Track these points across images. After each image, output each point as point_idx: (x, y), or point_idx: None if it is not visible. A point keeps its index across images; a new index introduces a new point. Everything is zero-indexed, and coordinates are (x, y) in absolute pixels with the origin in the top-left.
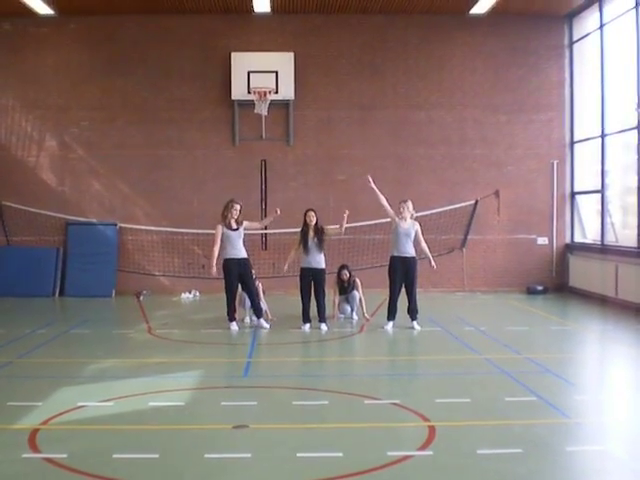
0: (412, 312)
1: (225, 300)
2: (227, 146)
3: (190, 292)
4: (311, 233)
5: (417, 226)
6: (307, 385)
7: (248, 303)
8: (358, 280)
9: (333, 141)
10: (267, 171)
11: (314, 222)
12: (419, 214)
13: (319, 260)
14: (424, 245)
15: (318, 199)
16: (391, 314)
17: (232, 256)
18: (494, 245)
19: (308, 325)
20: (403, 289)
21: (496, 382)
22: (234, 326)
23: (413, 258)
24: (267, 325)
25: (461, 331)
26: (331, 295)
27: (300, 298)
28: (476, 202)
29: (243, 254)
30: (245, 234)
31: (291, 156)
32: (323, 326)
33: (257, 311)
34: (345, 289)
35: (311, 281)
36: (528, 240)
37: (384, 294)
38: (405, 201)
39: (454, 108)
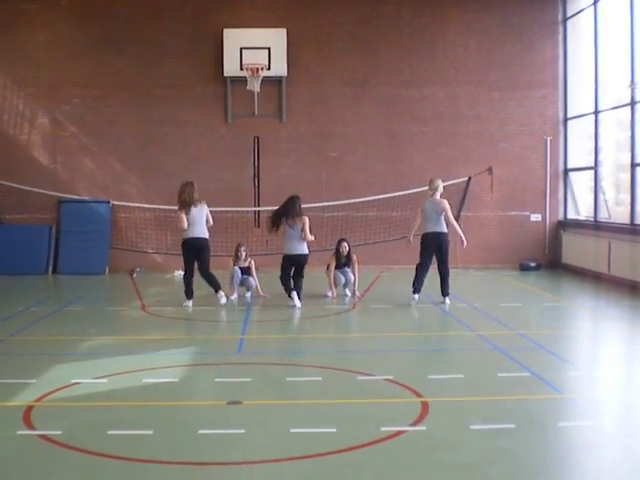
0: (445, 288)
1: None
2: (220, 123)
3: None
4: (296, 220)
5: (444, 203)
6: (300, 361)
7: (237, 280)
8: (355, 257)
9: (326, 118)
10: (260, 148)
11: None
12: (411, 191)
13: (301, 247)
14: (454, 222)
15: (311, 176)
16: (418, 288)
17: (190, 236)
18: (487, 222)
19: (295, 292)
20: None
21: (489, 358)
22: (189, 304)
23: (445, 234)
24: (224, 299)
25: (454, 307)
26: (330, 267)
27: (281, 280)
28: (469, 179)
29: (203, 234)
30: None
31: (284, 133)
32: (295, 296)
33: (212, 286)
34: (342, 264)
35: (293, 265)
36: (521, 217)
37: (376, 271)
38: (432, 180)
39: (447, 85)
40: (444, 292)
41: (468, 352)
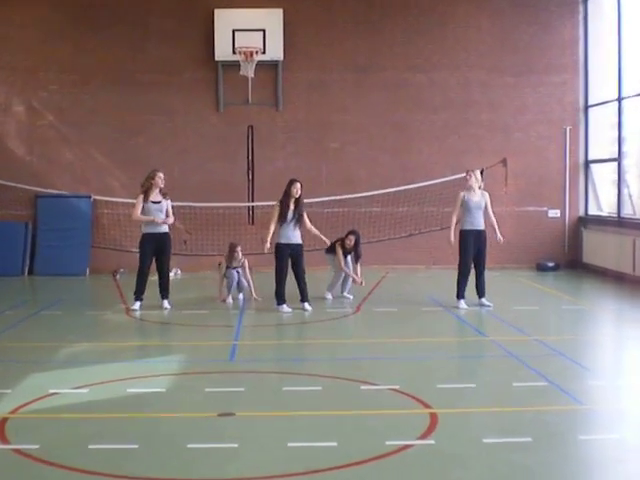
0: (481, 288)
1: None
2: (210, 111)
3: (171, 270)
4: (292, 206)
5: (487, 197)
6: (298, 369)
7: (234, 283)
8: (360, 252)
9: (326, 106)
10: (254, 138)
11: (298, 195)
12: (418, 185)
13: (298, 235)
14: (492, 217)
15: (309, 169)
16: (463, 290)
17: (149, 231)
18: (502, 218)
19: (285, 305)
20: None
21: (504, 366)
22: (137, 306)
23: (485, 231)
24: (169, 306)
25: (465, 311)
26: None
27: (275, 277)
28: (482, 172)
29: (163, 229)
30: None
31: (280, 122)
32: (307, 305)
33: (163, 291)
34: (345, 256)
35: (289, 257)
36: (538, 213)
37: (381, 271)
38: (472, 171)
39: (458, 69)
40: (482, 292)
41: (481, 359)
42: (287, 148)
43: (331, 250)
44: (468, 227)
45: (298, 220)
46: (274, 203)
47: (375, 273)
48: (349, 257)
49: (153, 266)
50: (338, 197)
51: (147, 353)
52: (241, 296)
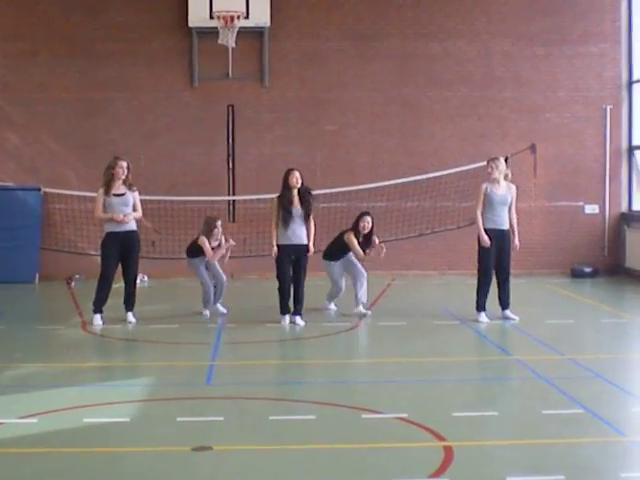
0: (504, 298)
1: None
2: (183, 87)
3: (137, 276)
4: (294, 200)
5: (514, 191)
6: (288, 395)
7: (211, 291)
8: (378, 242)
9: (321, 81)
10: (235, 120)
11: (299, 185)
12: (431, 175)
13: (301, 235)
14: (514, 216)
15: (301, 156)
16: (483, 302)
17: (113, 229)
18: (529, 215)
19: (287, 317)
20: None
21: (531, 390)
22: (98, 320)
23: (509, 231)
24: (134, 320)
25: (487, 325)
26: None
27: (278, 283)
28: (506, 159)
29: (129, 226)
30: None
31: (266, 100)
32: (299, 320)
33: (128, 302)
34: (361, 247)
35: (292, 261)
36: (573, 208)
37: (386, 278)
38: (495, 159)
39: (477, 38)
40: (506, 303)
41: (504, 382)
42: (275, 131)
43: (336, 251)
44: (489, 226)
45: (304, 216)
46: (273, 197)
47: (379, 280)
48: (360, 270)
49: (117, 272)
50: (335, 190)
51: (109, 375)
52: (220, 305)
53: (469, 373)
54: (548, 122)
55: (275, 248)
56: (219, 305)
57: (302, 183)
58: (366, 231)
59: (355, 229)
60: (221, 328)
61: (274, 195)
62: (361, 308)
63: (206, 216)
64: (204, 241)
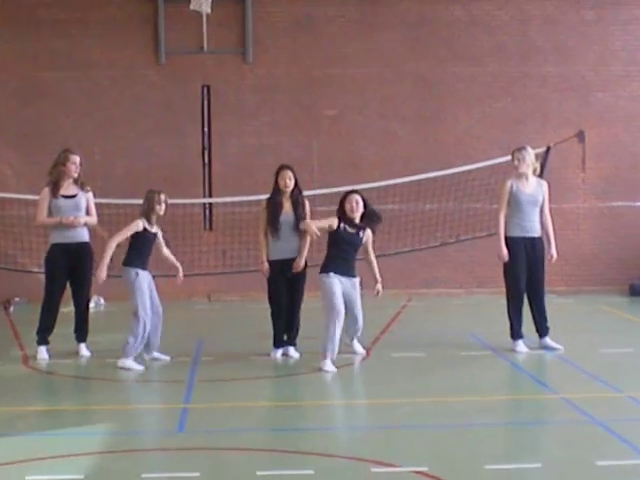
0: (541, 323)
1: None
2: (147, 64)
3: (90, 299)
4: (286, 205)
5: (545, 188)
6: (279, 445)
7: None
8: (370, 236)
9: (317, 54)
10: (212, 104)
11: (291, 187)
12: (455, 170)
13: (296, 247)
14: (548, 219)
15: (294, 147)
16: (519, 327)
17: (61, 240)
18: (577, 218)
19: (281, 351)
20: None
21: (582, 436)
22: (43, 354)
23: (541, 239)
24: (88, 353)
25: (525, 355)
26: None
27: (270, 308)
28: (547, 150)
29: (79, 237)
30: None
31: (250, 79)
32: (293, 351)
33: (79, 330)
34: (352, 238)
35: (285, 281)
36: (631, 210)
37: (401, 298)
38: (522, 149)
39: (511, 0)
40: (543, 329)
41: (548, 427)
42: (261, 118)
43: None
44: (516, 233)
45: (297, 224)
46: (262, 199)
47: (392, 301)
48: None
49: (66, 294)
50: (336, 189)
51: (56, 422)
52: (157, 353)
53: (505, 415)
54: (599, 103)
55: (265, 264)
56: (155, 352)
57: (296, 184)
58: (356, 213)
59: (341, 209)
60: (196, 362)
61: (261, 197)
62: (356, 344)
63: (147, 190)
64: (137, 225)
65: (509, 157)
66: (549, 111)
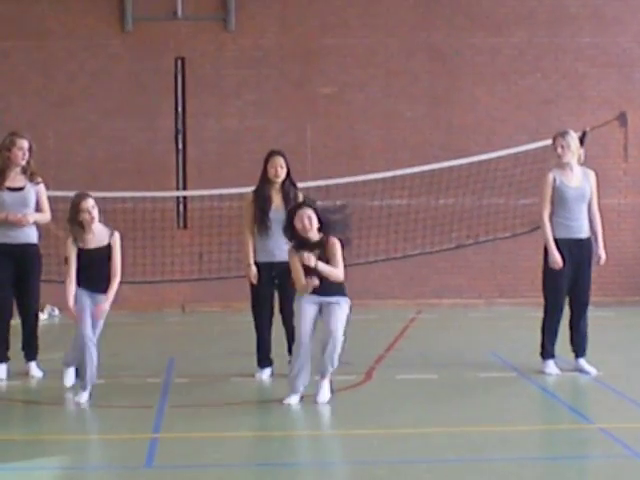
0: (579, 341)
1: None
2: (110, 32)
3: (42, 309)
4: (276, 198)
5: (593, 179)
6: None
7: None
8: (334, 243)
9: (312, 22)
10: (187, 79)
11: (282, 177)
12: (473, 159)
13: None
14: (597, 216)
15: (284, 132)
16: (551, 345)
17: (4, 240)
18: (618, 216)
19: (269, 371)
20: None
21: (623, 472)
22: (2, 374)
23: (589, 240)
24: (39, 373)
25: (555, 378)
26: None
27: (254, 320)
28: (583, 135)
29: (25, 237)
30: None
31: (232, 51)
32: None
33: (28, 347)
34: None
35: (274, 287)
36: None
37: (409, 310)
38: (565, 134)
39: None
40: (581, 349)
41: (584, 462)
42: (245, 96)
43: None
44: (561, 234)
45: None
46: (246, 192)
47: (399, 313)
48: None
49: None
50: (333, 180)
51: (3, 455)
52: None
53: (531, 449)
54: None
55: (253, 267)
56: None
57: (288, 173)
58: (305, 228)
59: (289, 225)
60: (167, 384)
61: (244, 190)
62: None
63: (75, 194)
64: (68, 246)
65: (538, 144)
66: (585, 89)
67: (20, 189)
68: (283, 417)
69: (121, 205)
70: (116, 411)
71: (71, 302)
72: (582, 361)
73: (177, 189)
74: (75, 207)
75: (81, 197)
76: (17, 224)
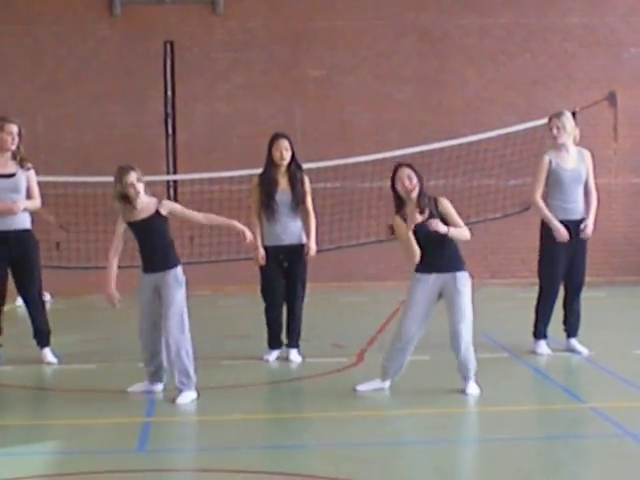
0: (572, 322)
1: None
2: (99, 17)
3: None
4: (282, 181)
5: (589, 158)
6: (262, 465)
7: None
8: (447, 206)
9: (299, 4)
10: (176, 63)
11: (288, 160)
12: (462, 140)
13: (295, 231)
14: (594, 196)
15: (274, 114)
16: (544, 326)
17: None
18: (608, 196)
19: (276, 353)
20: None
21: (615, 452)
22: None
23: (585, 221)
24: (54, 359)
25: (547, 358)
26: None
27: (264, 302)
28: (573, 115)
29: (19, 223)
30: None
31: (221, 33)
32: (295, 354)
33: (40, 334)
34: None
35: (282, 271)
36: None
37: (399, 291)
38: (560, 115)
39: None
40: (573, 328)
41: (576, 442)
42: (234, 79)
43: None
44: (558, 217)
45: (296, 204)
46: (253, 174)
47: (391, 295)
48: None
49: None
50: (323, 163)
51: (2, 441)
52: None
53: (524, 429)
54: (633, 60)
55: (261, 250)
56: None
57: (293, 155)
58: (412, 193)
59: (394, 191)
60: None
61: (233, 173)
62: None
63: (118, 167)
64: (117, 223)
65: (527, 125)
66: (574, 70)
67: (11, 175)
68: (275, 399)
69: (111, 190)
70: (108, 395)
71: (110, 287)
72: (574, 341)
73: (167, 173)
74: (119, 182)
75: (123, 171)
76: (7, 213)
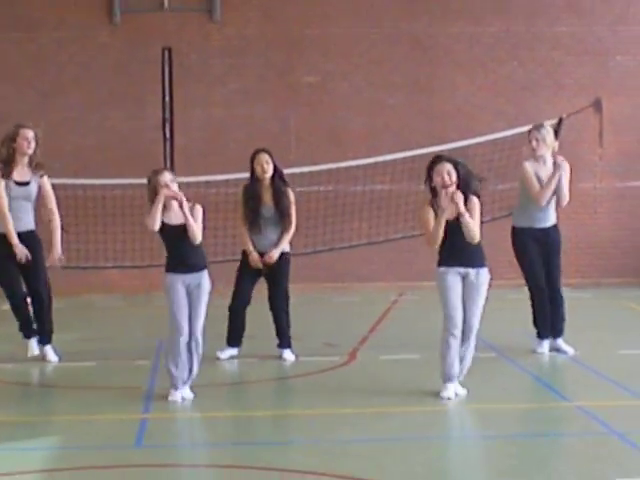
0: (556, 323)
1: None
2: (99, 24)
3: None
4: (265, 195)
5: (566, 167)
6: (253, 460)
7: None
8: (477, 205)
9: (295, 12)
10: (174, 69)
11: (270, 173)
12: (453, 145)
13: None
14: (565, 196)
15: (268, 120)
16: (543, 327)
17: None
18: (594, 201)
19: (230, 351)
20: None
21: (599, 449)
22: (34, 349)
23: (555, 228)
24: (55, 357)
25: (534, 358)
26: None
27: (231, 302)
28: (560, 122)
29: (24, 225)
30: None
31: (218, 41)
32: (288, 353)
33: (43, 331)
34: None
35: (258, 279)
36: None
37: (391, 292)
38: (540, 127)
39: None
40: (558, 329)
41: (561, 439)
42: (230, 85)
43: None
44: (525, 223)
45: (280, 217)
46: (234, 179)
47: (382, 295)
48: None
49: None
50: (317, 167)
51: (3, 436)
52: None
53: (510, 426)
54: (619, 68)
55: (255, 254)
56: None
57: (275, 169)
58: (448, 187)
59: (430, 185)
60: (156, 366)
61: (229, 177)
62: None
63: (152, 170)
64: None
65: (516, 130)
66: (561, 77)
67: (26, 184)
68: (269, 397)
69: (110, 192)
70: (106, 392)
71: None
72: (560, 341)
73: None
74: (153, 185)
75: (157, 173)
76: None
